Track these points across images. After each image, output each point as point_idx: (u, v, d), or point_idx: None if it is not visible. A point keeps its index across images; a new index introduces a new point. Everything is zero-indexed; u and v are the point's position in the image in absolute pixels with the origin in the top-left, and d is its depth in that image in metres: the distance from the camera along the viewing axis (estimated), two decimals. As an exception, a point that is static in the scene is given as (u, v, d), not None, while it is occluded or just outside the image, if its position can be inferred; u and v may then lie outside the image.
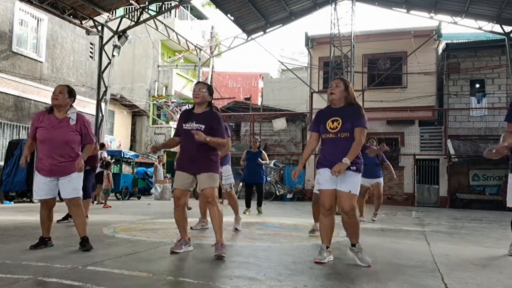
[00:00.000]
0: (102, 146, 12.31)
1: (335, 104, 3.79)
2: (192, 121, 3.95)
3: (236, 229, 5.73)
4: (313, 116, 4.06)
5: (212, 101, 4.15)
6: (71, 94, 4.08)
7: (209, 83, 20.69)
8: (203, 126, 3.87)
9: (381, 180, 7.84)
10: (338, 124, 3.65)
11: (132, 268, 3.17)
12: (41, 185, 3.92)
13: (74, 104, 4.16)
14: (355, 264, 3.59)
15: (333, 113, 3.74)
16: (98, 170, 11.58)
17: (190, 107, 4.22)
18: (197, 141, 3.79)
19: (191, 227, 5.59)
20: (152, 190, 15.00)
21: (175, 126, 18.94)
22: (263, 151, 9.02)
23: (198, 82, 4.23)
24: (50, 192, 3.95)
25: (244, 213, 8.41)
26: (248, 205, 8.68)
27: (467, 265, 3.75)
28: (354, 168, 3.62)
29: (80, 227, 4.00)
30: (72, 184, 3.94)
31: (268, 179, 16.54)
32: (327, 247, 3.69)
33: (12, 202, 10.67)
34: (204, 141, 3.78)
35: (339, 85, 3.78)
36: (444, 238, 5.89)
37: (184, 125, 3.99)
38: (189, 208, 9.46)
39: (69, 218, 6.21)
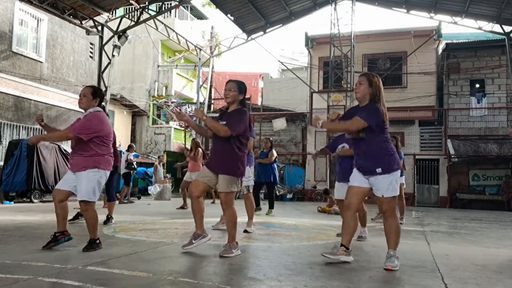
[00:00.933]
0: (130, 147, 12.40)
1: (361, 102, 3.67)
2: (223, 119, 3.93)
3: (245, 230, 5.64)
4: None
5: (244, 98, 4.04)
6: (96, 94, 4.07)
7: (209, 83, 20.75)
8: (224, 122, 3.83)
9: (402, 179, 7.41)
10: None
11: (132, 268, 3.17)
12: (65, 176, 4.09)
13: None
14: (355, 264, 3.59)
15: (356, 112, 3.59)
16: (124, 171, 11.65)
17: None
18: (222, 140, 3.81)
19: (212, 227, 5.73)
20: (151, 189, 14.97)
21: (175, 126, 18.88)
22: (272, 151, 8.89)
23: (229, 81, 4.06)
24: (64, 184, 3.98)
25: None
26: (257, 204, 8.51)
27: (467, 265, 3.75)
28: (380, 170, 3.49)
29: (89, 229, 3.97)
30: (80, 185, 3.89)
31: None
32: (342, 245, 3.62)
33: (12, 202, 10.67)
34: (201, 118, 3.81)
35: (363, 82, 3.60)
36: (444, 238, 5.89)
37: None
38: (185, 208, 9.53)
39: (79, 218, 6.22)
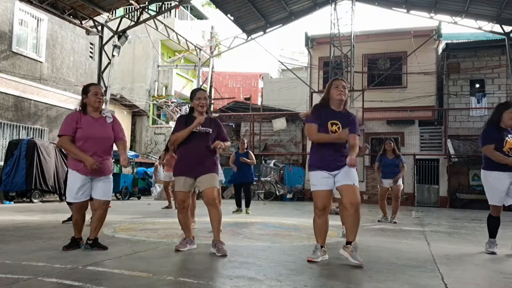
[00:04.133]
0: None
1: (336, 107, 3.77)
2: (204, 126, 4.04)
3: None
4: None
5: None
6: (105, 93, 4.19)
7: (209, 83, 20.75)
8: (210, 130, 4.05)
9: (400, 182, 7.80)
10: (338, 128, 3.68)
11: (132, 268, 3.17)
12: (79, 185, 3.82)
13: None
14: (355, 264, 3.59)
15: (333, 115, 3.74)
16: None
17: (186, 112, 4.36)
18: (204, 144, 3.98)
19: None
20: (153, 190, 15.02)
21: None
22: (250, 152, 9.02)
23: (199, 90, 4.20)
24: (88, 194, 3.90)
25: (234, 212, 8.52)
26: (239, 205, 8.74)
27: (467, 265, 3.75)
28: (347, 161, 3.72)
29: (98, 229, 4.01)
30: (107, 186, 3.98)
31: (268, 179, 16.56)
32: (322, 247, 3.73)
33: (12, 202, 10.67)
34: (224, 148, 4.02)
35: (345, 88, 3.77)
36: (444, 238, 5.89)
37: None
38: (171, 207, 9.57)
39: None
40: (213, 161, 4.07)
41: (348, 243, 3.65)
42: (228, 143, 4.12)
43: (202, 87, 20.32)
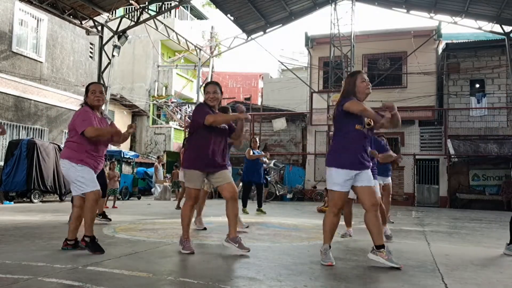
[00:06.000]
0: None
1: (362, 100, 3.67)
2: None
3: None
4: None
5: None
6: (105, 92, 4.19)
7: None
8: (226, 126, 4.05)
9: (389, 180, 7.62)
10: (370, 121, 3.54)
11: (132, 268, 3.17)
12: (92, 177, 3.83)
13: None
14: (355, 264, 3.59)
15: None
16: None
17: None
18: (219, 139, 3.95)
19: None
20: (154, 191, 15.04)
21: (175, 126, 18.86)
22: (262, 152, 9.02)
23: (210, 83, 4.11)
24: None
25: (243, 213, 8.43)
26: (245, 205, 8.52)
27: (467, 265, 3.75)
28: (371, 164, 3.68)
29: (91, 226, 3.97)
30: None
31: (268, 179, 16.56)
32: (330, 246, 3.66)
33: (12, 202, 10.67)
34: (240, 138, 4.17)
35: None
36: (444, 238, 5.89)
37: None
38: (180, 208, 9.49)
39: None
40: (227, 158, 4.24)
41: (379, 247, 3.49)
42: (242, 138, 4.21)
43: (202, 87, 20.30)
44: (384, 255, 3.45)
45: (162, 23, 16.29)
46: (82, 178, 3.77)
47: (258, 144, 8.99)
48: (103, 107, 4.13)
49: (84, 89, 4.14)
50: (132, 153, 17.28)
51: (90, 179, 3.79)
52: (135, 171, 16.50)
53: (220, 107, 4.41)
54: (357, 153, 3.54)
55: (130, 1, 13.74)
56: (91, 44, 16.62)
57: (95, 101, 3.92)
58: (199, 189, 4.00)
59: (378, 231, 3.52)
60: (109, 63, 13.87)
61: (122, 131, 4.13)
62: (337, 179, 3.54)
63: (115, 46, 13.96)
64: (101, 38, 14.10)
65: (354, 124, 3.53)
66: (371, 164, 3.67)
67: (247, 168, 8.68)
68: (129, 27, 14.25)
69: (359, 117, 3.51)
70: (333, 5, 16.51)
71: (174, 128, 22.65)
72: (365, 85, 3.62)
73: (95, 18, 13.64)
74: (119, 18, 14.54)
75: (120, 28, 14.06)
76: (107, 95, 13.68)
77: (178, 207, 9.61)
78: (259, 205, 8.89)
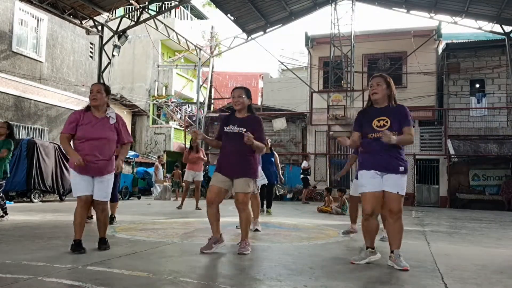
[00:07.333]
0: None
1: (379, 104, 3.65)
2: (234, 124, 4.02)
3: (256, 229, 5.73)
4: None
5: (251, 104, 4.21)
6: (108, 92, 4.03)
7: (209, 83, 20.76)
8: (244, 130, 3.93)
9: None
10: (386, 123, 3.54)
11: (132, 268, 3.17)
12: (79, 181, 3.84)
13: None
14: (354, 264, 3.59)
15: (379, 113, 3.62)
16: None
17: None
18: (238, 144, 3.90)
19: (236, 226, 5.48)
20: (154, 191, 15.04)
21: (175, 126, 18.91)
22: (275, 153, 8.92)
23: (236, 88, 4.16)
24: (89, 189, 3.87)
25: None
26: (261, 205, 8.51)
27: (467, 265, 3.75)
28: (402, 169, 3.54)
29: (103, 228, 4.00)
30: (105, 187, 3.92)
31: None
32: (367, 247, 3.66)
33: (12, 202, 10.66)
34: (250, 144, 3.84)
35: (381, 83, 3.63)
36: (444, 238, 5.89)
37: (225, 128, 4.06)
38: (199, 209, 9.42)
39: (86, 220, 6.22)
40: (249, 163, 3.99)
41: (392, 251, 3.56)
42: (259, 144, 3.92)
43: (202, 87, 20.32)
44: (393, 259, 3.51)
45: (162, 23, 16.28)
46: (72, 182, 3.93)
47: (270, 146, 8.82)
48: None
49: (84, 89, 4.14)
50: (132, 152, 17.29)
51: (76, 184, 3.87)
52: (135, 171, 16.50)
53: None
54: (377, 153, 3.69)
55: (130, 1, 13.74)
56: (91, 44, 16.61)
57: (92, 101, 3.92)
58: (214, 186, 4.03)
59: (391, 237, 3.61)
60: (109, 63, 13.87)
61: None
62: (362, 180, 3.68)
63: (115, 46, 13.95)
64: (101, 38, 14.10)
65: None
66: (396, 169, 3.64)
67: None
68: (129, 27, 14.25)
69: (368, 125, 3.66)
70: (333, 5, 16.51)
71: (174, 128, 22.64)
72: (370, 92, 3.71)
73: (95, 18, 13.64)
74: (119, 18, 14.54)
75: (120, 28, 14.05)
76: (107, 95, 13.69)
77: (197, 207, 9.54)
78: (268, 205, 8.85)
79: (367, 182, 3.58)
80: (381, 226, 3.97)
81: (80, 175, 3.83)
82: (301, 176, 14.98)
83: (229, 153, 4.01)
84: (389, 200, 3.53)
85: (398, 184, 3.52)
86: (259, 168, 5.90)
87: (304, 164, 15.15)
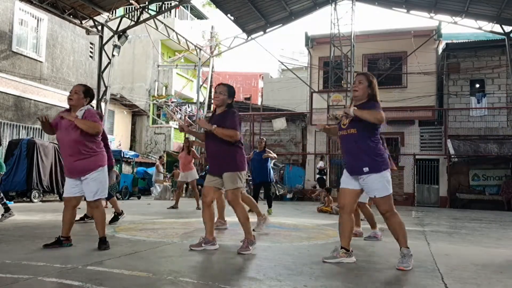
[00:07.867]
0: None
1: (358, 101, 3.68)
2: (212, 122, 4.03)
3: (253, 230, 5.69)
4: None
5: (233, 102, 4.15)
6: (88, 93, 3.98)
7: (209, 83, 20.74)
8: (215, 126, 3.91)
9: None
10: (348, 120, 3.57)
11: (132, 268, 3.17)
12: (66, 183, 4.04)
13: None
14: (354, 264, 3.59)
15: (365, 108, 3.60)
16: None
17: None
18: (216, 141, 3.91)
19: (253, 229, 4.97)
20: (153, 191, 15.04)
21: (175, 126, 18.98)
22: (269, 150, 8.92)
23: (220, 84, 4.17)
24: (72, 190, 3.94)
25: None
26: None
27: (467, 265, 3.75)
28: (367, 169, 3.47)
29: (99, 227, 4.00)
30: (90, 187, 3.88)
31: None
32: (341, 247, 3.63)
33: (12, 202, 10.66)
34: (209, 130, 3.88)
35: (362, 81, 3.65)
36: (444, 238, 5.89)
37: None
38: (199, 208, 9.42)
39: (85, 219, 6.24)
40: (231, 156, 3.95)
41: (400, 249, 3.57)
42: (224, 131, 3.84)
43: (202, 87, 20.30)
44: (400, 257, 3.52)
45: (162, 22, 16.28)
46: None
47: (264, 145, 8.87)
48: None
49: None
50: (132, 152, 17.28)
51: (65, 185, 4.07)
52: (135, 171, 16.50)
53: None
54: (346, 158, 3.75)
55: (130, 1, 13.73)
56: (91, 44, 16.61)
57: (68, 101, 3.96)
58: (208, 186, 4.10)
59: (394, 235, 3.62)
60: (109, 63, 13.86)
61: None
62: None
63: (115, 46, 13.94)
64: (101, 38, 14.09)
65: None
66: (366, 171, 3.65)
67: (253, 168, 8.73)
68: (129, 27, 14.24)
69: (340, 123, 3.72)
70: (333, 5, 16.50)
71: (174, 128, 22.64)
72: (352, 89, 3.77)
73: (95, 17, 13.63)
74: (119, 18, 14.52)
75: (120, 28, 14.05)
76: (107, 95, 13.70)
77: (198, 207, 9.51)
78: (269, 205, 8.84)
79: (342, 178, 3.72)
80: (365, 226, 3.97)
81: (67, 177, 4.02)
82: (317, 176, 15.40)
83: (211, 151, 4.07)
84: (375, 203, 3.62)
85: (373, 188, 3.50)
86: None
87: (321, 164, 15.54)
